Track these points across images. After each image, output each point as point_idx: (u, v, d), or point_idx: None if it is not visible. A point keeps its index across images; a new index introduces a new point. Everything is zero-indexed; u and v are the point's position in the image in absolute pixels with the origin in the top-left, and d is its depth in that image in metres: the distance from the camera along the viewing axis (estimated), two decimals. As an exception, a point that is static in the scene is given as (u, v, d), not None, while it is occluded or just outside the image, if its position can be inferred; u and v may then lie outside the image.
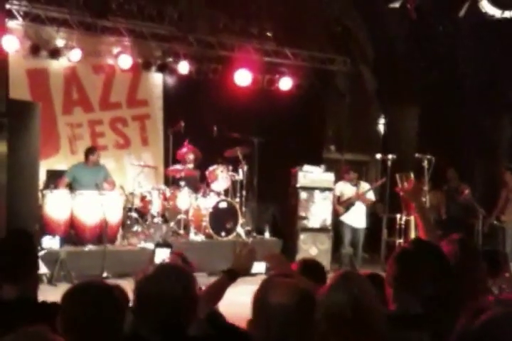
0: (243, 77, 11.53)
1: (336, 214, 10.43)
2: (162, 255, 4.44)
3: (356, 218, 10.33)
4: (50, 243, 8.57)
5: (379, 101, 13.76)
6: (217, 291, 3.10)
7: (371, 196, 10.48)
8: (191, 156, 10.48)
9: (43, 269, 8.09)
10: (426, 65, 12.98)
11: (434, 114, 13.10)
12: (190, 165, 10.56)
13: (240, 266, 3.18)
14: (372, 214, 10.56)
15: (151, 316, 2.41)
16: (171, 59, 11.36)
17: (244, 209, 10.54)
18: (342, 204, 10.35)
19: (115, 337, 2.33)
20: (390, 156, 10.24)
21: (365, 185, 10.51)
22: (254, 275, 3.43)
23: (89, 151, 9.82)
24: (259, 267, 3.34)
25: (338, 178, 11.06)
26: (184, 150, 10.51)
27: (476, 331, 1.73)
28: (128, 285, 2.62)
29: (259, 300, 2.36)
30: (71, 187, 9.61)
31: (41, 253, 7.95)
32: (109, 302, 2.35)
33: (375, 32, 13.19)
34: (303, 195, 10.54)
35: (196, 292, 2.53)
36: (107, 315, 2.32)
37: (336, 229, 10.70)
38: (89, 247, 8.98)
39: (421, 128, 13.32)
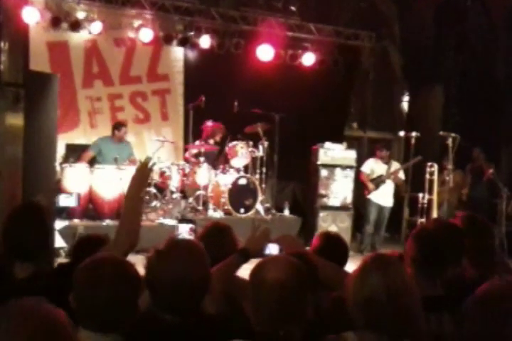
0: (265, 52, 11.37)
1: (366, 192, 10.27)
2: (184, 231, 4.37)
3: (384, 196, 10.21)
4: (66, 201, 8.57)
5: (404, 78, 13.52)
6: (228, 270, 3.04)
7: (401, 175, 10.30)
8: (219, 135, 10.43)
9: (61, 243, 8.11)
10: (453, 42, 12.73)
11: (460, 92, 12.88)
12: (212, 141, 10.49)
13: (253, 247, 3.13)
14: (394, 193, 10.40)
15: (162, 293, 2.37)
16: (192, 33, 11.19)
17: (263, 186, 10.46)
18: (372, 182, 10.20)
19: (130, 315, 2.27)
20: (413, 134, 10.04)
21: (396, 164, 10.35)
22: (268, 256, 3.34)
23: (115, 127, 9.90)
24: (272, 248, 3.27)
25: (361, 156, 10.93)
26: (213, 127, 10.43)
27: (472, 303, 1.80)
28: (143, 261, 2.56)
29: (255, 277, 2.34)
30: (93, 160, 9.62)
31: (59, 227, 7.94)
32: (123, 279, 2.28)
33: (402, 7, 12.93)
34: (323, 172, 10.42)
35: (208, 268, 2.49)
36: (121, 291, 2.26)
37: (359, 207, 10.59)
38: (107, 222, 8.96)
39: (446, 106, 13.10)
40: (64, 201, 8.52)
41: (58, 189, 8.82)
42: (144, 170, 3.10)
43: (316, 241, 3.50)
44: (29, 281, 2.94)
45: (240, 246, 3.35)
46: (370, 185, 10.18)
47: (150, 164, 3.10)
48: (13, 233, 3.07)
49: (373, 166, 10.32)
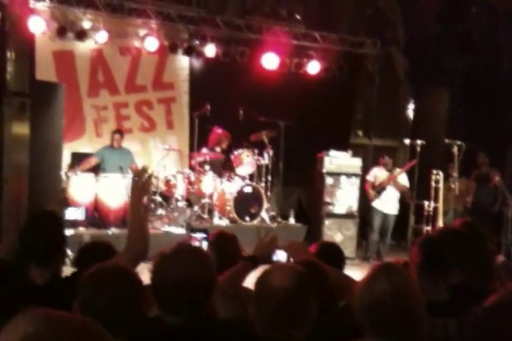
0: (271, 61, 11.38)
1: (368, 199, 10.29)
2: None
3: (388, 204, 10.20)
4: (74, 214, 8.59)
5: (409, 84, 13.52)
6: (237, 277, 3.06)
7: (404, 181, 10.28)
8: (225, 143, 10.47)
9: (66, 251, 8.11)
10: (458, 48, 12.73)
11: (466, 98, 12.87)
12: (218, 149, 10.52)
13: (262, 254, 3.14)
14: (400, 201, 10.39)
15: (163, 295, 2.39)
16: (197, 41, 11.22)
17: (269, 194, 10.47)
18: (374, 189, 10.21)
19: (131, 319, 2.27)
20: (419, 141, 10.03)
21: (399, 171, 10.34)
22: (276, 263, 3.35)
23: (112, 133, 10.05)
24: (280, 255, 3.28)
25: (366, 164, 10.93)
26: (220, 135, 10.47)
27: (482, 313, 1.79)
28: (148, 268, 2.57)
29: (260, 283, 2.38)
30: (98, 168, 9.66)
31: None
32: (127, 285, 2.30)
33: (407, 14, 12.94)
34: (329, 180, 10.42)
35: (212, 272, 2.49)
36: (126, 298, 2.27)
37: (364, 215, 10.58)
38: (112, 230, 8.97)
39: (451, 112, 13.09)
40: (72, 214, 8.57)
41: (65, 198, 8.87)
42: (140, 180, 3.19)
43: (312, 249, 3.54)
44: (48, 287, 2.97)
45: (244, 254, 3.38)
46: (371, 192, 10.21)
47: (149, 171, 3.17)
48: (31, 238, 3.12)
49: (377, 174, 10.33)
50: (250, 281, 2.94)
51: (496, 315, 1.75)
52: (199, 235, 3.44)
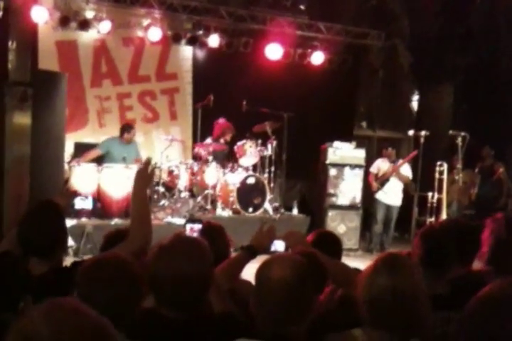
0: (274, 51, 11.34)
1: (370, 191, 10.27)
2: (188, 229, 4.34)
3: (391, 195, 10.18)
4: (83, 204, 8.57)
5: (413, 76, 13.47)
6: (234, 267, 3.04)
7: (407, 172, 10.24)
8: (229, 135, 10.43)
9: (69, 242, 8.12)
10: (462, 41, 12.67)
11: (469, 91, 12.82)
12: (222, 141, 10.49)
13: (259, 244, 3.12)
14: (403, 193, 10.37)
15: (162, 288, 2.37)
16: (201, 32, 11.18)
17: (272, 185, 10.44)
18: (377, 181, 10.19)
19: (133, 314, 2.25)
20: (422, 133, 9.98)
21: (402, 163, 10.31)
22: (274, 253, 3.34)
23: (125, 129, 9.80)
24: (278, 245, 3.26)
25: (370, 155, 10.90)
26: (223, 127, 10.43)
27: (479, 307, 1.78)
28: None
29: (261, 275, 2.34)
30: (100, 159, 9.61)
31: (67, 226, 7.93)
32: (127, 278, 2.28)
33: (411, 6, 12.88)
34: (332, 171, 10.39)
35: (210, 265, 2.48)
36: (125, 291, 2.26)
37: (368, 206, 10.56)
38: (115, 221, 8.96)
39: (455, 105, 13.04)
40: (80, 204, 8.56)
41: (67, 189, 8.84)
42: (145, 170, 3.16)
43: (309, 238, 3.53)
44: (45, 278, 2.95)
45: (232, 246, 3.36)
46: (374, 184, 10.19)
47: (152, 163, 3.14)
48: (30, 230, 3.10)
49: (380, 165, 10.31)
50: (250, 272, 2.93)
51: (494, 309, 1.72)
52: (194, 225, 3.40)
